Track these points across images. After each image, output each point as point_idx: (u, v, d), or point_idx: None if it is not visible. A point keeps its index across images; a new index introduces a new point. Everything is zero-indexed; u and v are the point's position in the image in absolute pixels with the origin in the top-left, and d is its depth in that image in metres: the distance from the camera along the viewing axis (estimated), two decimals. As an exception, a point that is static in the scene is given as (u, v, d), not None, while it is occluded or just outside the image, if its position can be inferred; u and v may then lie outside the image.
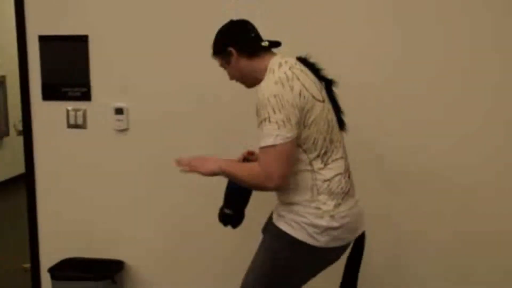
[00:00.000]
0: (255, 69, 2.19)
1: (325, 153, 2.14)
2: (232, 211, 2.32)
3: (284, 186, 2.11)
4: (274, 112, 2.01)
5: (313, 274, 2.26)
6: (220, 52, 2.25)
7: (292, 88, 2.05)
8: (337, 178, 2.15)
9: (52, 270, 3.13)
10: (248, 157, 2.42)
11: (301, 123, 2.07)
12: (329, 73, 2.25)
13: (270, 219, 2.32)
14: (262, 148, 2.04)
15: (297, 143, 2.08)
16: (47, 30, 3.12)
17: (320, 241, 2.12)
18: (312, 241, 2.12)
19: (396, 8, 2.82)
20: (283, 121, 2.01)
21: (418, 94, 2.84)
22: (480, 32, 2.77)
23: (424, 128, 2.86)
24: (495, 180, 2.87)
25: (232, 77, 2.29)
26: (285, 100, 2.02)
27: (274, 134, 2.01)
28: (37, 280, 3.34)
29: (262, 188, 2.11)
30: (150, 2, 3.00)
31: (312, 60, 2.26)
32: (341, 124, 2.26)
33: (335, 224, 2.12)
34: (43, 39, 3.13)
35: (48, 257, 3.26)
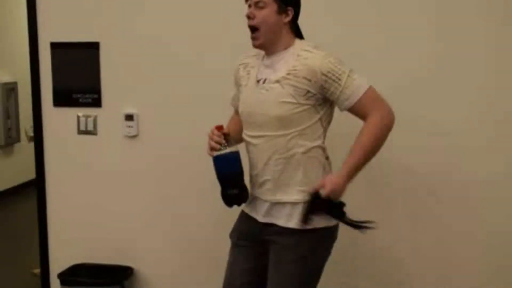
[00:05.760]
0: (284, 39, 2.12)
1: (326, 129, 2.16)
2: (238, 190, 2.20)
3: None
4: (347, 68, 2.07)
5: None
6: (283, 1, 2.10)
7: None
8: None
9: (62, 276, 3.14)
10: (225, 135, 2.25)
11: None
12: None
13: (265, 224, 2.15)
14: (364, 94, 2.05)
15: (326, 114, 2.12)
16: (59, 37, 3.14)
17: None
18: (332, 222, 2.11)
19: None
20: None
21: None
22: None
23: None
24: None
25: (263, 24, 2.08)
26: None
27: (362, 78, 2.07)
28: (47, 286, 3.35)
29: (391, 129, 2.08)
30: (161, 10, 3.02)
31: None
32: None
33: None
34: (55, 46, 3.16)
35: (58, 262, 3.27)
